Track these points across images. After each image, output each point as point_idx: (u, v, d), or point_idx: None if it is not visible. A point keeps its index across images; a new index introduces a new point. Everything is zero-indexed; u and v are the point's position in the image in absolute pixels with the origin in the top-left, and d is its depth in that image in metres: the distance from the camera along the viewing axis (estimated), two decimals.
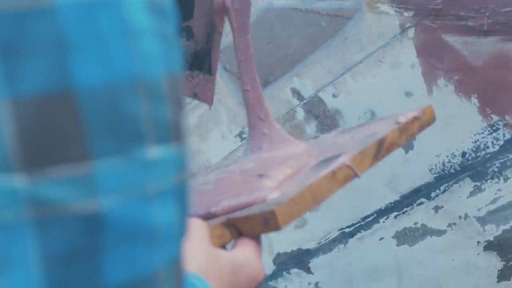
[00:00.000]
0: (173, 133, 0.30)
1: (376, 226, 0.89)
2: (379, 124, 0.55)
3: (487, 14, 0.71)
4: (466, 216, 0.82)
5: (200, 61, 0.72)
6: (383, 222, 0.88)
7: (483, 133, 0.76)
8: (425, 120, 0.54)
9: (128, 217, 0.28)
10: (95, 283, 0.27)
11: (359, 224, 0.90)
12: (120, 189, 0.28)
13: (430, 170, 0.82)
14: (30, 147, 0.26)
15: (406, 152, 0.82)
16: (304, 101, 0.89)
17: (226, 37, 0.93)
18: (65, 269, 0.27)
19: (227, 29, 0.92)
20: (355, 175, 0.48)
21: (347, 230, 0.92)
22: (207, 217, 0.47)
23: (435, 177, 0.82)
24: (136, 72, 0.28)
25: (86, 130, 0.27)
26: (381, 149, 0.50)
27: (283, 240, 0.99)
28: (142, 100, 0.28)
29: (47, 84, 0.27)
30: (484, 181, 0.79)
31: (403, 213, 0.86)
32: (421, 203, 0.84)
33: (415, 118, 0.53)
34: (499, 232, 0.80)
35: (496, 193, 0.79)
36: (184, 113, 0.31)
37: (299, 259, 0.98)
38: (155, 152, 0.29)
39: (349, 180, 0.48)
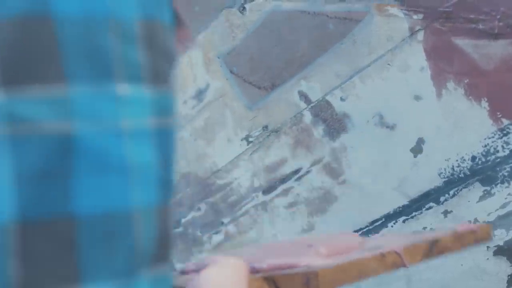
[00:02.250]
0: (146, 75, 0.30)
1: (384, 230, 0.88)
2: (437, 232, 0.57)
3: (498, 17, 0.70)
4: (476, 220, 0.81)
5: None
6: (392, 226, 0.87)
7: (493, 137, 0.75)
8: (481, 236, 0.56)
9: (100, 146, 0.28)
10: (64, 206, 0.28)
11: (367, 228, 0.90)
12: (92, 116, 0.28)
13: (439, 174, 0.81)
14: (8, 66, 0.27)
15: (415, 156, 0.82)
16: (312, 104, 0.88)
17: (233, 40, 0.92)
18: (36, 188, 0.27)
19: (234, 32, 0.92)
20: (403, 264, 0.50)
21: None
22: (250, 271, 0.48)
23: (444, 182, 0.81)
24: (111, 10, 0.29)
25: (62, 54, 0.28)
26: (433, 248, 0.52)
27: None
28: (114, 37, 0.29)
29: (28, 7, 0.27)
30: (494, 185, 0.78)
31: (412, 217, 0.85)
32: (430, 208, 0.84)
33: (472, 231, 0.55)
34: (509, 237, 0.79)
35: (506, 198, 0.78)
36: (169, 61, 0.32)
37: None
38: (125, 89, 0.29)
39: (396, 268, 0.50)
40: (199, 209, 1.06)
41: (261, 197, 0.99)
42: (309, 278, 0.45)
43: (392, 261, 0.48)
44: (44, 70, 0.27)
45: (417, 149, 0.81)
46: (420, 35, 0.76)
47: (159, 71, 0.31)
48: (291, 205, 0.96)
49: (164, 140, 0.31)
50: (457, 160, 0.79)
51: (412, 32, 0.76)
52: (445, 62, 0.76)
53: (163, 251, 0.31)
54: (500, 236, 0.80)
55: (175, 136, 0.32)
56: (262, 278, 0.47)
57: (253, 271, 0.48)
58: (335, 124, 0.87)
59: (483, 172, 0.78)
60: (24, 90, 0.27)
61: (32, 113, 0.28)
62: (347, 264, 0.46)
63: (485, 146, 0.76)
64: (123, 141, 0.29)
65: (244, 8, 0.88)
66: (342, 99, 0.85)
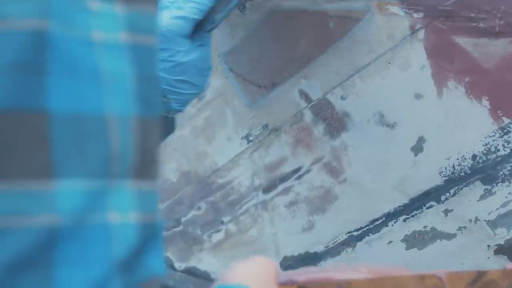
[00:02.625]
0: None
1: (385, 229, 0.88)
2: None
3: (499, 15, 0.70)
4: (477, 219, 0.81)
5: None
6: (392, 225, 0.87)
7: (494, 135, 0.75)
8: None
9: (72, 50, 0.30)
10: (38, 100, 0.29)
11: (367, 227, 0.90)
12: (66, 21, 0.30)
13: (440, 173, 0.81)
14: None
15: (416, 155, 0.82)
16: (312, 103, 0.88)
17: (233, 39, 0.92)
18: (10, 80, 0.29)
19: (234, 31, 0.92)
20: None
21: (355, 233, 0.91)
22: (287, 283, 0.48)
23: (445, 180, 0.81)
24: None
25: None
26: (479, 280, 0.51)
27: (290, 243, 0.98)
28: None
29: None
30: (494, 184, 0.78)
31: (413, 216, 0.85)
32: (431, 206, 0.84)
33: None
34: (510, 235, 0.79)
35: (507, 197, 0.78)
36: None
37: (306, 263, 0.97)
38: (96, 4, 0.31)
39: None
40: (199, 208, 1.06)
41: (261, 196, 0.99)
42: (342, 286, 0.45)
43: (432, 285, 0.48)
44: None
45: (417, 148, 0.81)
46: (421, 34, 0.76)
47: None
48: (291, 204, 0.96)
49: (139, 56, 0.32)
50: (457, 159, 0.79)
51: (413, 31, 0.76)
52: (445, 61, 0.76)
53: (147, 167, 0.32)
54: (501, 235, 0.80)
55: (155, 56, 0.34)
56: (297, 286, 0.47)
57: (290, 283, 0.48)
58: (335, 123, 0.87)
59: (484, 171, 0.78)
60: None
61: (9, 10, 0.29)
62: (382, 278, 0.46)
63: (486, 144, 0.76)
64: (95, 50, 0.31)
65: (244, 7, 0.88)
66: (342, 98, 0.85)
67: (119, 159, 0.31)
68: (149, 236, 0.32)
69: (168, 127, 0.76)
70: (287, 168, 0.94)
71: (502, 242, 0.80)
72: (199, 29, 0.76)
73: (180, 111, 0.77)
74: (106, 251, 0.30)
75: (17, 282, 0.28)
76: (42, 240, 0.28)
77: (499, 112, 0.74)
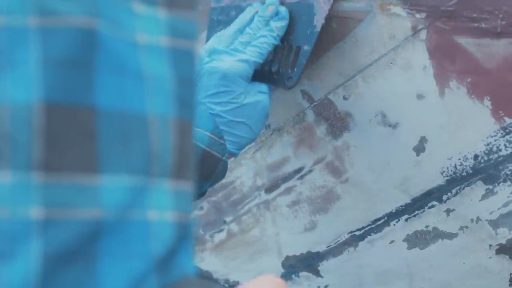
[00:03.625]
0: (160, 0, 0.33)
1: (387, 229, 0.88)
2: None
3: (501, 16, 0.71)
4: (478, 219, 0.81)
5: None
6: (394, 225, 0.88)
7: (495, 135, 0.76)
8: None
9: (118, 49, 0.31)
10: (86, 96, 0.30)
11: (369, 227, 0.90)
12: (114, 21, 0.31)
13: (442, 173, 0.81)
14: None
15: (418, 155, 0.82)
16: (315, 103, 0.89)
17: None
18: (61, 75, 0.29)
19: None
20: None
21: (357, 233, 0.91)
22: None
23: (447, 180, 0.81)
24: None
25: None
26: None
27: (292, 243, 0.99)
28: None
29: None
30: (496, 184, 0.78)
31: (414, 216, 0.86)
32: (433, 206, 0.84)
33: None
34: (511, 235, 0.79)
35: (508, 196, 0.78)
36: None
37: (308, 262, 0.98)
38: (140, 7, 0.32)
39: None
40: (201, 207, 1.06)
41: (263, 196, 0.99)
42: None
43: None
44: None
45: (419, 148, 0.82)
46: (423, 34, 0.76)
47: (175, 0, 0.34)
48: (293, 203, 0.96)
49: (179, 60, 0.33)
50: (459, 159, 0.79)
51: (415, 31, 0.76)
52: (447, 61, 0.76)
53: (184, 168, 0.33)
54: (503, 235, 0.80)
55: (195, 60, 0.34)
56: None
57: None
58: (337, 123, 0.87)
59: (485, 171, 0.78)
60: None
61: (62, 7, 0.30)
62: None
63: (488, 144, 0.77)
64: (139, 51, 0.31)
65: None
66: (344, 98, 0.85)
67: (158, 158, 0.31)
68: (183, 236, 0.33)
69: (221, 170, 0.77)
70: (289, 168, 0.95)
71: (503, 242, 0.80)
72: (275, 84, 0.80)
73: (234, 154, 0.79)
74: (145, 247, 0.31)
75: (61, 273, 0.29)
76: (86, 233, 0.29)
77: (500, 112, 0.75)
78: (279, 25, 0.79)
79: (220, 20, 0.86)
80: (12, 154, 0.28)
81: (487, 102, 0.75)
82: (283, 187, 0.96)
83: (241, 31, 0.80)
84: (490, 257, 0.82)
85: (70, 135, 0.29)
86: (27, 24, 0.29)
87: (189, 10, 0.34)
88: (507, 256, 0.81)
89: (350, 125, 0.86)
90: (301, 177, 0.94)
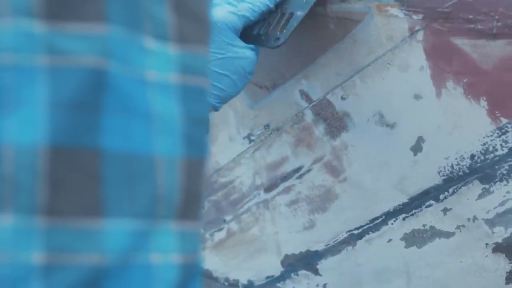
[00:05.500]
0: (171, 34, 0.32)
1: (384, 228, 0.89)
2: None
3: (497, 17, 0.71)
4: (475, 218, 0.82)
5: None
6: (392, 224, 0.88)
7: (492, 135, 0.76)
8: None
9: (127, 89, 0.30)
10: (92, 138, 0.29)
11: (367, 226, 0.91)
12: (123, 59, 0.30)
13: (439, 172, 0.82)
14: (53, 2, 0.29)
15: (415, 155, 0.83)
16: (313, 103, 0.89)
17: None
18: (67, 117, 0.29)
19: None
20: None
21: (355, 232, 0.92)
22: None
23: (443, 179, 0.82)
24: None
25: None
26: None
27: (291, 242, 0.99)
28: None
29: None
30: (492, 183, 0.79)
31: (412, 215, 0.86)
32: (430, 205, 0.84)
33: None
34: (508, 234, 0.80)
35: (504, 196, 0.79)
36: (198, 24, 0.33)
37: (307, 261, 0.98)
38: (151, 43, 0.31)
39: None
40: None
41: (262, 195, 1.00)
42: None
43: None
44: (85, 8, 0.29)
45: (417, 148, 0.82)
46: (420, 35, 0.77)
47: (186, 33, 0.33)
48: (292, 202, 0.97)
49: (189, 97, 0.32)
50: (456, 159, 0.80)
51: (412, 32, 0.77)
52: (444, 62, 0.77)
53: (191, 208, 0.32)
54: (499, 234, 0.81)
55: (205, 97, 0.33)
56: None
57: None
58: (336, 123, 0.88)
59: (482, 170, 0.79)
60: (65, 25, 0.29)
61: (71, 47, 0.29)
62: None
63: (484, 144, 0.77)
64: (147, 89, 0.31)
65: None
66: (342, 98, 0.86)
67: (164, 200, 0.31)
68: (189, 276, 0.32)
69: None
70: (288, 168, 0.95)
71: (500, 241, 0.81)
72: (262, 44, 0.79)
73: (215, 108, 0.77)
74: None
75: None
76: (88, 278, 0.29)
77: (497, 112, 0.75)
78: None
79: None
80: (14, 197, 0.28)
81: (483, 103, 0.76)
82: (282, 186, 0.97)
83: None
84: (486, 256, 0.83)
85: (74, 178, 0.28)
86: (35, 63, 0.28)
87: (200, 45, 0.33)
88: (503, 255, 0.81)
89: (348, 125, 0.87)
90: (300, 177, 0.95)
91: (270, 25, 0.79)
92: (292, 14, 0.79)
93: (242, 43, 0.76)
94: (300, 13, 0.78)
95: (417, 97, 0.80)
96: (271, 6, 0.79)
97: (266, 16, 0.80)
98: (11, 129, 0.28)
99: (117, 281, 0.29)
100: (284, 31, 0.77)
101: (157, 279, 0.30)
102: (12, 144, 0.28)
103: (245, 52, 0.76)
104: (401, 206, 0.87)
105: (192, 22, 0.33)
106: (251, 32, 0.80)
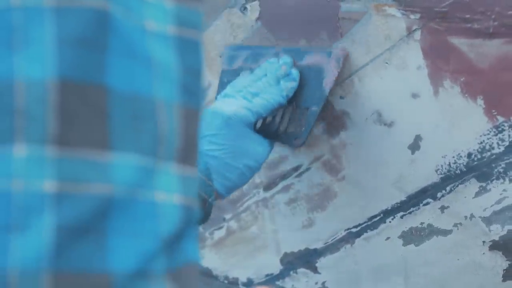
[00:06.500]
0: None
1: (382, 226, 0.90)
2: None
3: (493, 16, 0.72)
4: (472, 216, 0.82)
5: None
6: (390, 222, 0.89)
7: (488, 134, 0.77)
8: None
9: (128, 33, 0.31)
10: (98, 74, 0.30)
11: (365, 224, 0.91)
12: (124, 5, 0.31)
13: (436, 171, 0.82)
14: None
15: (413, 153, 0.83)
16: None
17: (234, 40, 0.94)
18: (75, 53, 0.30)
19: (235, 32, 0.93)
20: None
21: (354, 230, 0.93)
22: None
23: (441, 178, 0.82)
24: None
25: None
26: None
27: (290, 240, 1.00)
28: None
29: None
30: (489, 181, 0.79)
31: (410, 213, 0.87)
32: (427, 203, 0.85)
33: None
34: (504, 232, 0.81)
35: (501, 194, 0.79)
36: None
37: (306, 259, 0.99)
38: None
39: None
40: None
41: (262, 194, 1.00)
42: None
43: None
44: None
45: (414, 146, 0.83)
46: (417, 35, 0.78)
47: None
48: (291, 201, 0.98)
49: (185, 49, 0.34)
50: (453, 157, 0.81)
51: (410, 32, 0.78)
52: (441, 61, 0.77)
53: (189, 154, 0.33)
54: (496, 231, 0.81)
55: (200, 50, 0.35)
56: None
57: None
58: (334, 122, 0.89)
59: (479, 169, 0.80)
60: None
61: None
62: None
63: (481, 143, 0.78)
64: (146, 37, 0.32)
65: (245, 8, 0.90)
66: (341, 97, 0.87)
67: (165, 141, 0.32)
68: (188, 220, 0.33)
69: (206, 212, 0.77)
70: (287, 166, 0.96)
71: (496, 238, 0.82)
72: (282, 141, 0.81)
73: (222, 196, 0.79)
74: (154, 227, 0.31)
75: (73, 246, 0.29)
76: (98, 208, 0.30)
77: (493, 111, 0.76)
78: (289, 86, 0.81)
79: (230, 82, 0.86)
80: (26, 128, 0.29)
81: (480, 101, 0.76)
82: (281, 185, 0.98)
83: (254, 81, 0.81)
84: (483, 253, 0.83)
85: (83, 111, 0.30)
86: (42, 4, 0.30)
87: (195, 0, 0.35)
88: (500, 252, 0.82)
89: (347, 124, 0.88)
90: (299, 175, 0.95)
91: (288, 121, 0.82)
92: (307, 109, 0.81)
93: (255, 138, 0.79)
94: (315, 108, 0.81)
95: (414, 96, 0.81)
96: (284, 102, 0.81)
97: (276, 112, 0.83)
98: (21, 65, 0.29)
99: (126, 213, 0.30)
100: (303, 129, 0.80)
101: (162, 216, 0.31)
102: (23, 79, 0.29)
103: (257, 145, 0.79)
104: (399, 204, 0.87)
105: None
106: (270, 128, 0.82)
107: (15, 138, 0.29)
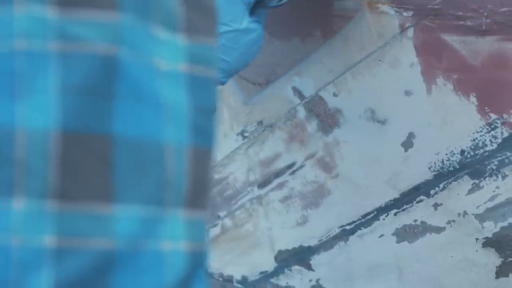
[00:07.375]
0: (180, 24, 0.32)
1: (376, 223, 0.90)
2: None
3: (486, 14, 0.72)
4: (465, 213, 0.82)
5: None
6: (383, 219, 0.89)
7: (481, 131, 0.77)
8: None
9: (137, 76, 0.30)
10: (103, 124, 0.29)
11: (359, 221, 0.91)
12: (134, 47, 0.30)
13: (429, 168, 0.83)
14: None
15: (406, 151, 0.83)
16: (305, 100, 0.90)
17: None
18: (79, 102, 0.29)
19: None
20: None
21: (347, 227, 0.93)
22: None
23: (434, 175, 0.83)
24: None
25: None
26: None
27: (285, 237, 1.00)
28: None
29: None
30: (482, 178, 0.79)
31: (403, 210, 0.87)
32: (421, 201, 0.85)
33: None
34: (497, 229, 0.81)
35: (494, 191, 0.79)
36: (207, 15, 0.33)
37: (300, 256, 0.99)
38: (160, 32, 0.31)
39: None
40: None
41: (256, 191, 1.00)
42: None
43: None
44: None
45: (407, 143, 0.83)
46: (410, 32, 0.78)
47: (194, 23, 0.33)
48: (285, 198, 0.98)
49: (197, 87, 0.33)
50: (446, 154, 0.81)
51: (402, 29, 0.78)
52: (434, 58, 0.77)
53: (199, 196, 0.32)
54: (489, 229, 0.81)
55: (213, 88, 0.33)
56: None
57: None
58: (328, 119, 0.89)
59: (472, 166, 0.80)
60: (77, 12, 0.29)
61: (83, 33, 0.29)
62: None
63: (474, 140, 0.78)
64: (156, 77, 0.31)
65: None
66: (334, 95, 0.87)
67: (173, 187, 0.31)
68: (196, 265, 0.32)
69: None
70: (281, 164, 0.96)
71: (490, 235, 0.82)
72: (262, 5, 0.76)
73: (221, 82, 0.75)
74: (158, 278, 0.30)
75: None
76: (98, 263, 0.29)
77: (486, 108, 0.76)
78: None
79: None
80: (26, 181, 0.28)
81: (473, 99, 0.77)
82: (275, 182, 0.98)
83: None
84: (476, 250, 0.83)
85: (86, 163, 0.29)
86: (47, 49, 0.29)
87: (209, 36, 0.33)
88: (493, 249, 0.82)
89: (340, 121, 0.88)
90: (293, 173, 0.95)
91: None
92: None
93: (250, 17, 0.74)
94: None
95: (407, 93, 0.81)
96: None
97: None
98: (23, 114, 0.28)
99: (129, 267, 0.29)
100: None
101: (167, 266, 0.31)
102: (24, 128, 0.28)
103: (253, 25, 0.73)
104: (392, 202, 0.87)
105: (200, 13, 0.33)
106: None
107: (14, 191, 0.28)
